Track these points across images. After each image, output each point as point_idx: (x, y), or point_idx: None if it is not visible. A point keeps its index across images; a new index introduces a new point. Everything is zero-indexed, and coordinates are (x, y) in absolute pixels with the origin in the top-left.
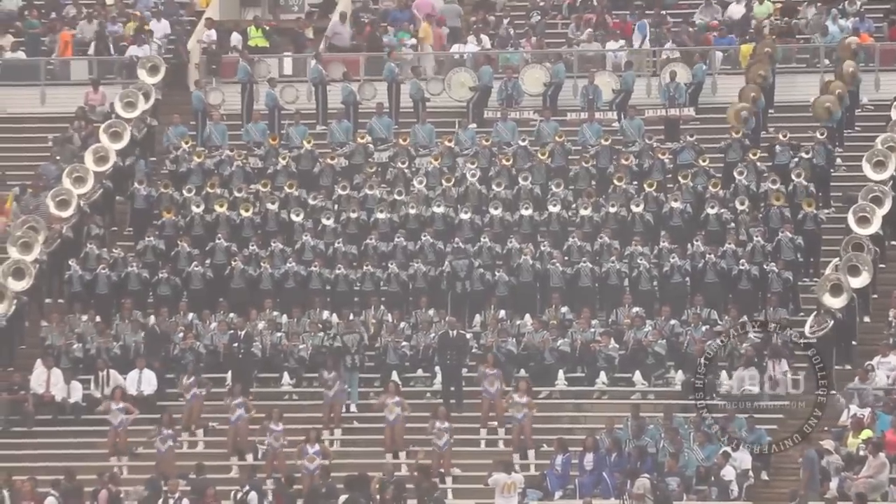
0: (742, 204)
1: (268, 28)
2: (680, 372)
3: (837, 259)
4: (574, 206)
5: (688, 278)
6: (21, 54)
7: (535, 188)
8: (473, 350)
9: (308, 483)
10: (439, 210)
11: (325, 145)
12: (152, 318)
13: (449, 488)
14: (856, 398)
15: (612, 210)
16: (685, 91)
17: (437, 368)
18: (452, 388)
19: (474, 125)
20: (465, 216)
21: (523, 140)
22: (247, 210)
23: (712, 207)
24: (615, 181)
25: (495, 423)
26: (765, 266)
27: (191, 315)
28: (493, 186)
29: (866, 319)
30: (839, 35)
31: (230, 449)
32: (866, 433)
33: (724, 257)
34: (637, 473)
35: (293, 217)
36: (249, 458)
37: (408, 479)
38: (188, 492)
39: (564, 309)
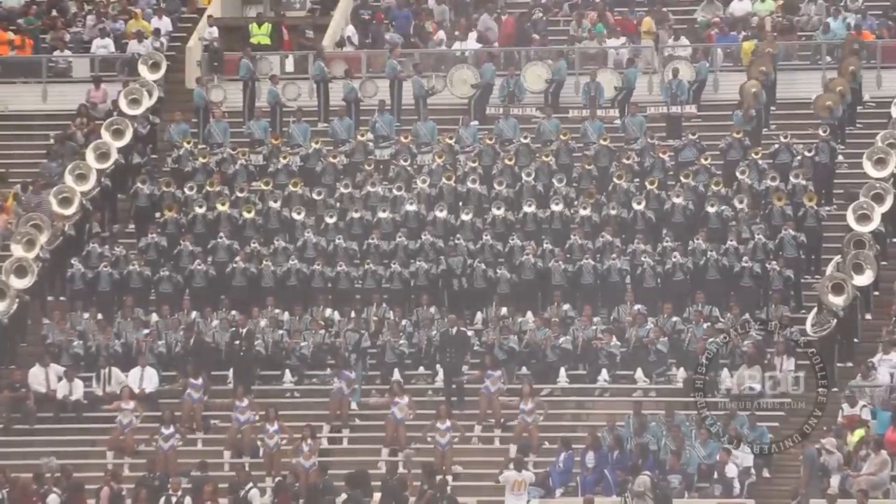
0: (741, 202)
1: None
2: (682, 369)
3: (839, 257)
4: (575, 204)
5: (689, 276)
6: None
7: (539, 185)
8: (475, 347)
9: (304, 481)
10: (441, 214)
11: (326, 142)
12: (154, 316)
13: (450, 486)
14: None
15: (612, 212)
16: (688, 88)
17: (439, 366)
18: (454, 386)
19: (476, 122)
20: (466, 217)
21: (525, 137)
22: (249, 211)
23: (712, 206)
24: (615, 179)
25: (493, 420)
26: (766, 264)
27: (193, 313)
28: (496, 186)
29: (868, 317)
30: (841, 30)
31: (229, 447)
32: (858, 433)
33: (726, 254)
34: (639, 471)
35: (294, 216)
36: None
37: (408, 477)
38: (189, 490)
39: (566, 306)
